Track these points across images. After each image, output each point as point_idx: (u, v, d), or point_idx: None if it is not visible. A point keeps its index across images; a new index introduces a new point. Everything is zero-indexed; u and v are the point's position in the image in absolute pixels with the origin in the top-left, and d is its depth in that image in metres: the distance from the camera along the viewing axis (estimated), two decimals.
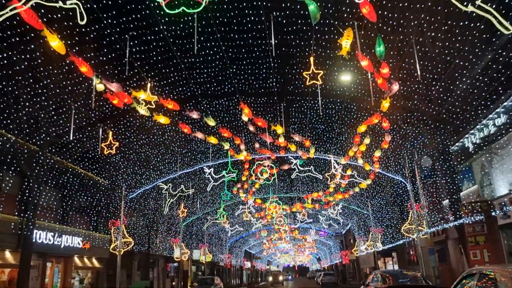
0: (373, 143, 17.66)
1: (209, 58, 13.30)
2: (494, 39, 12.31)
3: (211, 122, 15.04)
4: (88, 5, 10.33)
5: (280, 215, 40.48)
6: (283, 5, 12.21)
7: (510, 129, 13.91)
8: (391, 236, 28.45)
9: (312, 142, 18.63)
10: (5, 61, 12.16)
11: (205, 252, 39.75)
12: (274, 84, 14.18)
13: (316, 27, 12.07)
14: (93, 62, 11.56)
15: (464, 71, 14.55)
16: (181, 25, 12.79)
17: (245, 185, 26.40)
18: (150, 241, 27.31)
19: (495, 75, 13.13)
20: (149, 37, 13.15)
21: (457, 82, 14.70)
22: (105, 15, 11.90)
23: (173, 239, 32.05)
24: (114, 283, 28.32)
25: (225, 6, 12.26)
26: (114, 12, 12.01)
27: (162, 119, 14.06)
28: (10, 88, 12.85)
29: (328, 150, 21.10)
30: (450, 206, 16.28)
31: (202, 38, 13.12)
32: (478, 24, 11.65)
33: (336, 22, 11.27)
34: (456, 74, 14.33)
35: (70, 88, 12.95)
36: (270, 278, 65.53)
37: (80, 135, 15.40)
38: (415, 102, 15.24)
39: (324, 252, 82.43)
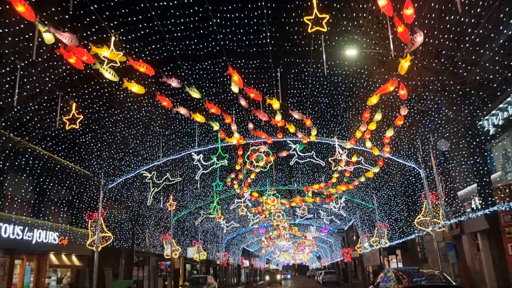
0: (384, 121, 15.27)
1: (187, 4, 10.92)
2: None
3: (195, 94, 12.65)
4: None
5: (278, 210, 38.19)
6: None
7: None
8: (400, 230, 26.07)
9: (314, 121, 16.26)
10: None
11: (199, 249, 37.42)
12: (268, 40, 11.87)
13: None
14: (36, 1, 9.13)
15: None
16: None
17: (239, 175, 24.04)
18: (134, 237, 24.92)
19: None
20: None
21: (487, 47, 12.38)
22: None
23: (163, 235, 29.72)
24: (99, 282, 26.07)
25: None
26: None
27: (135, 87, 11.65)
28: None
29: (332, 132, 18.69)
30: (479, 191, 13.90)
31: None
32: None
33: None
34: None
35: (10, 40, 10.52)
36: (267, 277, 61.08)
37: (36, 108, 12.99)
38: (441, 63, 12.79)
39: (325, 250, 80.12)
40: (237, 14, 11.19)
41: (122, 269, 29.79)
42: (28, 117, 13.20)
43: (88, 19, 10.42)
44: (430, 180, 18.59)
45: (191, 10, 11.04)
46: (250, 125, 16.31)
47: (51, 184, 19.53)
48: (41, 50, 10.77)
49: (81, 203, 21.54)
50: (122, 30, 11.13)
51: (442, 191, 17.06)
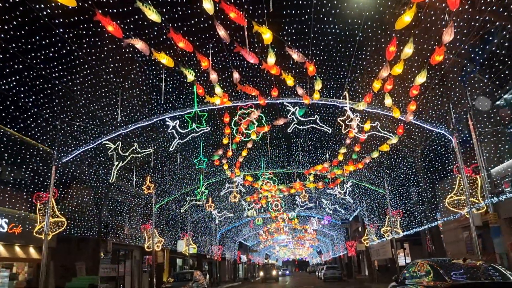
0: (409, 67, 11.41)
1: None
2: None
3: (152, 14, 8.85)
4: None
5: (276, 199, 34.40)
6: None
7: None
8: (420, 216, 22.20)
9: (318, 70, 12.42)
10: None
11: (189, 242, 33.71)
12: None
13: None
14: None
15: None
16: None
17: (228, 152, 20.21)
18: (101, 224, 21.15)
19: None
20: None
21: None
22: None
23: (144, 225, 25.98)
24: (65, 278, 22.36)
25: None
26: None
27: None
28: None
29: (340, 89, 14.88)
30: None
31: None
32: None
33: None
34: None
35: None
36: (261, 273, 52.95)
37: None
38: None
39: (326, 244, 76.53)
40: None
41: (96, 263, 26.15)
42: None
43: None
44: (462, 152, 14.82)
45: None
46: (235, 75, 12.46)
47: None
48: None
49: (38, 185, 17.77)
50: None
51: (482, 162, 13.26)
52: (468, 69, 13.40)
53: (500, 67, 12.71)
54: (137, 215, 28.92)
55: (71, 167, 16.85)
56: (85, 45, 13.02)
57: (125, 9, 9.92)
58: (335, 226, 52.27)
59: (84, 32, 11.99)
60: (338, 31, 12.46)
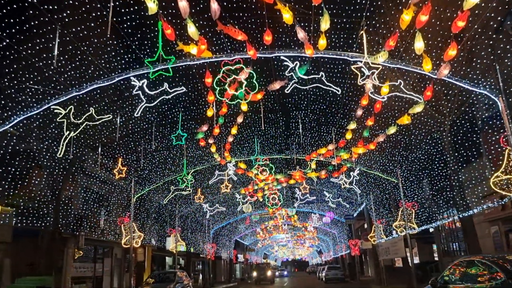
0: None
1: None
2: None
3: None
4: None
5: (274, 191, 31.03)
6: None
7: None
8: (441, 209, 18.81)
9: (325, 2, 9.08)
10: None
11: (177, 239, 30.38)
12: None
13: None
14: None
15: None
16: None
17: (215, 129, 16.85)
18: (58, 213, 17.77)
19: None
20: None
21: None
22: None
23: (122, 218, 22.62)
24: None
25: None
26: None
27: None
28: None
29: (353, 34, 11.52)
30: None
31: None
32: None
33: None
34: None
35: None
36: (254, 274, 45.03)
37: None
38: None
39: (327, 243, 73.16)
40: None
41: (69, 261, 22.83)
42: None
43: None
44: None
45: None
46: (214, 6, 9.11)
47: None
48: None
49: None
50: None
51: None
52: None
53: None
54: (118, 207, 25.58)
55: (15, 139, 13.45)
56: None
57: None
58: (337, 223, 48.92)
59: None
60: None
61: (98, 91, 12.83)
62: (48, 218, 16.60)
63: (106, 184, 22.46)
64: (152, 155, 20.20)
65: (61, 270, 22.10)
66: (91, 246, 25.38)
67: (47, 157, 15.30)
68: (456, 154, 15.64)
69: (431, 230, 28.91)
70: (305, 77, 11.81)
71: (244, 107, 14.40)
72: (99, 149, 16.44)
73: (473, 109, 14.23)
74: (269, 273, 44.28)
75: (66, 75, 11.98)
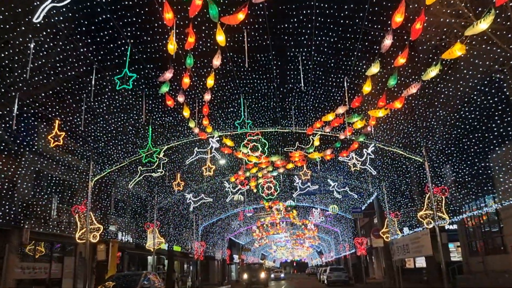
0: None
1: None
2: None
3: None
4: None
5: (269, 179, 26.35)
6: None
7: None
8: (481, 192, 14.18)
9: None
10: None
11: (154, 235, 25.74)
12: None
13: None
14: None
15: None
16: None
17: (184, 78, 12.20)
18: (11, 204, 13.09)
19: None
20: None
21: None
22: None
23: (76, 206, 17.96)
24: None
25: None
26: None
27: None
28: None
29: None
30: None
31: None
32: None
33: None
34: None
35: None
36: (245, 276, 38.88)
37: None
38: None
39: (328, 243, 68.64)
40: None
41: (7, 261, 18.26)
42: None
43: None
44: None
45: None
46: None
47: None
48: None
49: None
50: None
51: None
52: None
53: None
54: (76, 194, 20.95)
55: None
56: None
57: None
58: (341, 220, 44.34)
59: None
60: None
61: None
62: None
63: (61, 165, 17.86)
64: (103, 116, 15.53)
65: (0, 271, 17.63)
66: (48, 242, 20.84)
67: None
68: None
69: (447, 226, 24.41)
70: None
71: (220, 38, 9.76)
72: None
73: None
74: (262, 275, 37.96)
75: None
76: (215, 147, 18.54)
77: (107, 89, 15.37)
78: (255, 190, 27.45)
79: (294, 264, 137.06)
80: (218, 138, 18.35)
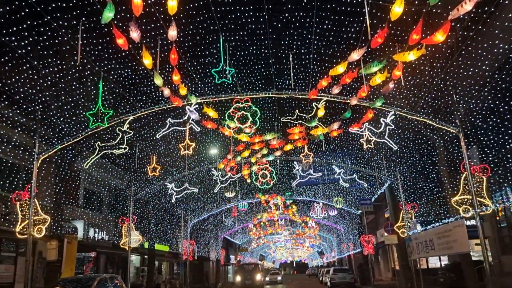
0: None
1: None
2: None
3: None
4: None
5: (264, 165, 22.46)
6: None
7: None
8: None
9: None
10: None
11: (130, 231, 21.89)
12: None
13: None
14: None
15: None
16: None
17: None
18: None
19: None
20: None
21: None
22: None
23: (18, 192, 14.12)
24: None
25: None
26: None
27: None
28: None
29: None
30: None
31: None
32: None
33: None
34: None
35: None
36: (238, 278, 34.38)
37: None
38: None
39: (330, 242, 64.82)
40: None
41: None
42: None
43: None
44: None
45: None
46: None
47: None
48: None
49: None
50: None
51: None
52: None
53: None
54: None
55: None
56: None
57: None
58: (345, 216, 40.52)
59: None
60: None
61: None
62: None
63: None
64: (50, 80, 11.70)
65: None
66: None
67: None
68: None
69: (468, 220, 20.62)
70: None
71: None
72: None
73: None
74: (257, 277, 33.58)
75: None
76: (195, 118, 14.68)
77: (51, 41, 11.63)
78: (248, 181, 23.61)
79: (294, 265, 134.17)
80: (196, 107, 14.49)
